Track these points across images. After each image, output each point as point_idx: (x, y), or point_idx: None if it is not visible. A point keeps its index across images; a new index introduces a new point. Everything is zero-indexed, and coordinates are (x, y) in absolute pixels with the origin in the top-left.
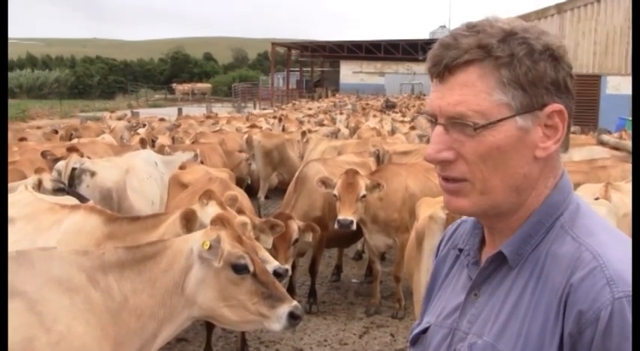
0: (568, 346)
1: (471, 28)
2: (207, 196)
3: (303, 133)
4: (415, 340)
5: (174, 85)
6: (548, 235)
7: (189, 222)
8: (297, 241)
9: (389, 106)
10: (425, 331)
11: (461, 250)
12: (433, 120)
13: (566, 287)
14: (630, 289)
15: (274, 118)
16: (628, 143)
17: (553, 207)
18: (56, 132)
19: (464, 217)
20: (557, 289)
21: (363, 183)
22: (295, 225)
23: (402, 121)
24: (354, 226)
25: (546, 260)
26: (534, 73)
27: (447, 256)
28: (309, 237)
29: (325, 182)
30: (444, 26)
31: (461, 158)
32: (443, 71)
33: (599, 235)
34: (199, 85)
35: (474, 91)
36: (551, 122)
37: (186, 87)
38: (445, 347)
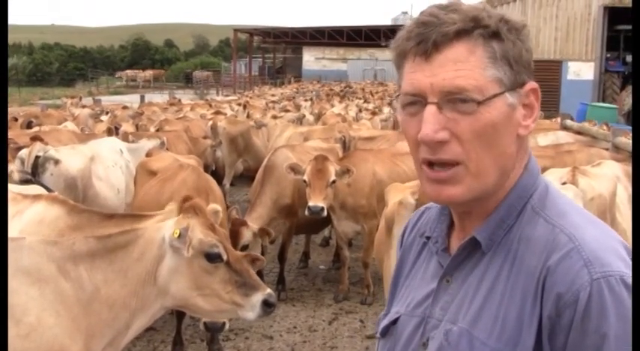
0: (547, 328)
1: (445, 8)
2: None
3: (274, 117)
4: (385, 332)
5: (126, 72)
6: (520, 218)
7: None
8: (246, 246)
9: (348, 92)
10: (395, 321)
11: (428, 238)
12: (421, 100)
13: (543, 270)
14: (608, 269)
15: (239, 104)
16: (592, 128)
17: (524, 190)
18: (16, 120)
19: (428, 204)
20: (533, 272)
21: (332, 169)
22: (247, 232)
23: (367, 109)
24: (325, 213)
25: (520, 244)
26: (517, 50)
27: (413, 244)
28: (266, 241)
29: (294, 169)
30: (406, 12)
31: (454, 138)
32: (430, 48)
33: (571, 216)
34: (149, 72)
35: (469, 66)
36: (528, 101)
37: (131, 73)
38: (418, 336)
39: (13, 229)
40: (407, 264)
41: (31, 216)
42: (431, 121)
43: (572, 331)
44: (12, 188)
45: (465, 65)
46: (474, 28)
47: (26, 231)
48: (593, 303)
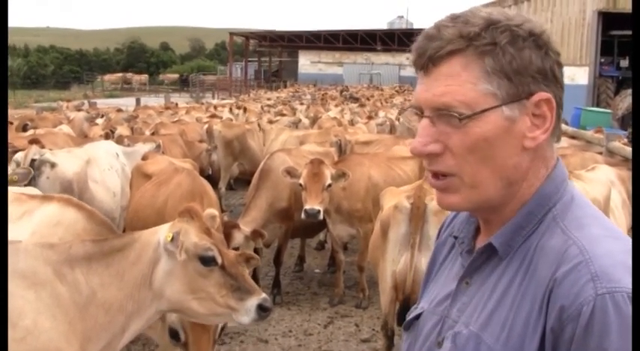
0: (550, 341)
1: (454, 18)
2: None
3: (270, 122)
4: (409, 326)
5: (108, 76)
6: (540, 227)
7: None
8: (237, 249)
9: (352, 98)
10: (418, 317)
11: (456, 238)
12: (419, 113)
13: (550, 281)
14: (615, 285)
15: (239, 108)
16: (586, 132)
17: (545, 198)
18: (11, 123)
19: None
20: (542, 282)
21: (328, 172)
22: (239, 234)
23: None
24: (321, 216)
25: (535, 252)
26: (519, 61)
27: (446, 243)
28: (259, 243)
29: (290, 172)
30: (402, 16)
31: (448, 151)
32: (427, 63)
33: (590, 229)
34: (136, 76)
35: (458, 82)
36: (539, 111)
37: (117, 76)
38: (435, 335)
39: (24, 230)
40: (437, 261)
41: (44, 217)
42: (421, 134)
43: (573, 345)
44: (11, 189)
45: (455, 80)
46: (467, 46)
47: (40, 232)
48: (595, 318)
